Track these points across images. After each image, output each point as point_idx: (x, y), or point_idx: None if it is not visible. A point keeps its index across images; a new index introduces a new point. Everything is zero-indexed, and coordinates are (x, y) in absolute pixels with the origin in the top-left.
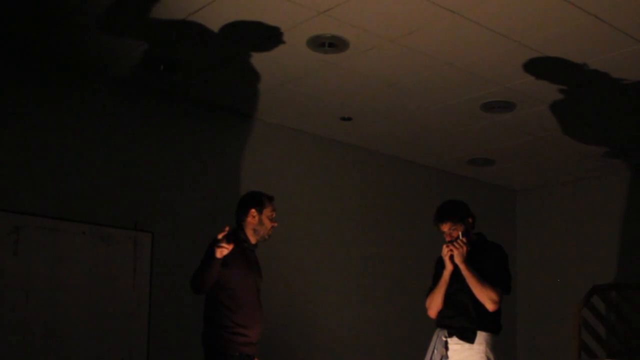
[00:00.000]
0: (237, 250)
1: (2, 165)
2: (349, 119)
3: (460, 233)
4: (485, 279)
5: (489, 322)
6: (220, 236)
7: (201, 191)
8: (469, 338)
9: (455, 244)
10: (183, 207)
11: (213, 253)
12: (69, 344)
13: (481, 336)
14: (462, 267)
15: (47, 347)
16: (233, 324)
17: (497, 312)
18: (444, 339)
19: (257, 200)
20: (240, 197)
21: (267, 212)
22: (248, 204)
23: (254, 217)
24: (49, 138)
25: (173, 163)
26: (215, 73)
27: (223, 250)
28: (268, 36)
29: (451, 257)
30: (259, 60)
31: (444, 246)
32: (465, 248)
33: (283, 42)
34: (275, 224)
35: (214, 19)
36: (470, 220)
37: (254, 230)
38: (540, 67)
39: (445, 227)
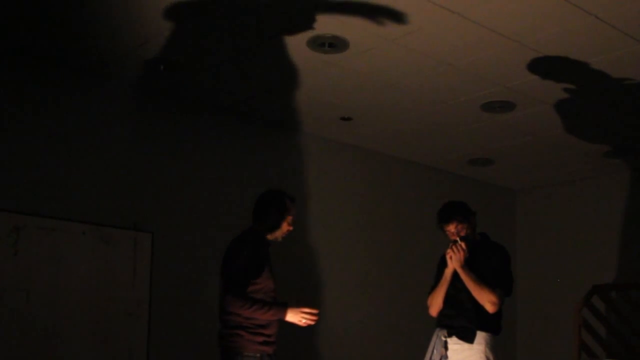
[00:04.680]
0: (264, 250)
1: (2, 165)
2: (349, 119)
3: (458, 237)
4: (485, 280)
5: (489, 323)
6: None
7: (201, 191)
8: (469, 338)
9: (454, 247)
10: (183, 207)
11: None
12: (69, 344)
13: (481, 336)
14: (460, 271)
15: (47, 347)
16: (254, 325)
17: (497, 313)
18: (443, 338)
19: (281, 202)
20: (262, 195)
21: (288, 215)
22: (272, 206)
23: (275, 218)
24: (49, 138)
25: (173, 163)
26: (215, 73)
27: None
28: (268, 36)
29: None
30: (259, 60)
31: (451, 244)
32: (463, 253)
33: (283, 42)
34: (291, 228)
35: (214, 18)
36: (473, 217)
37: (271, 231)
38: (541, 67)
39: (452, 227)
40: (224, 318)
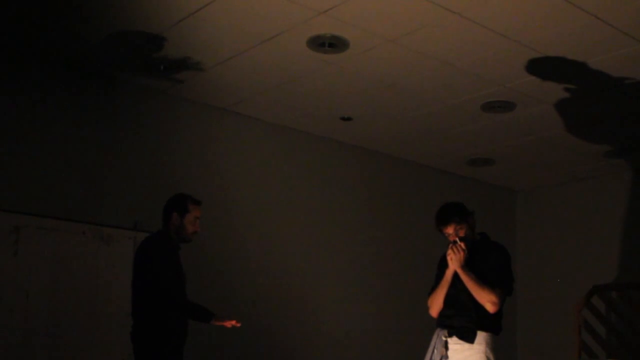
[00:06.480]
0: (172, 251)
1: (2, 165)
2: (349, 119)
3: (457, 238)
4: (485, 280)
5: (490, 323)
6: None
7: (201, 191)
8: (469, 338)
9: (453, 247)
10: None
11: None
12: (69, 344)
13: (481, 336)
14: (459, 271)
15: (47, 347)
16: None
17: (498, 313)
18: (444, 338)
19: (181, 204)
20: (168, 199)
21: (189, 217)
22: (171, 207)
23: (175, 219)
24: (49, 138)
25: (173, 163)
26: (215, 73)
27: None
28: (268, 36)
29: None
30: (259, 60)
31: (451, 245)
32: (462, 253)
33: (283, 42)
34: (198, 229)
35: (214, 18)
36: (471, 217)
37: (176, 233)
38: (541, 67)
39: (450, 229)
40: (147, 319)
